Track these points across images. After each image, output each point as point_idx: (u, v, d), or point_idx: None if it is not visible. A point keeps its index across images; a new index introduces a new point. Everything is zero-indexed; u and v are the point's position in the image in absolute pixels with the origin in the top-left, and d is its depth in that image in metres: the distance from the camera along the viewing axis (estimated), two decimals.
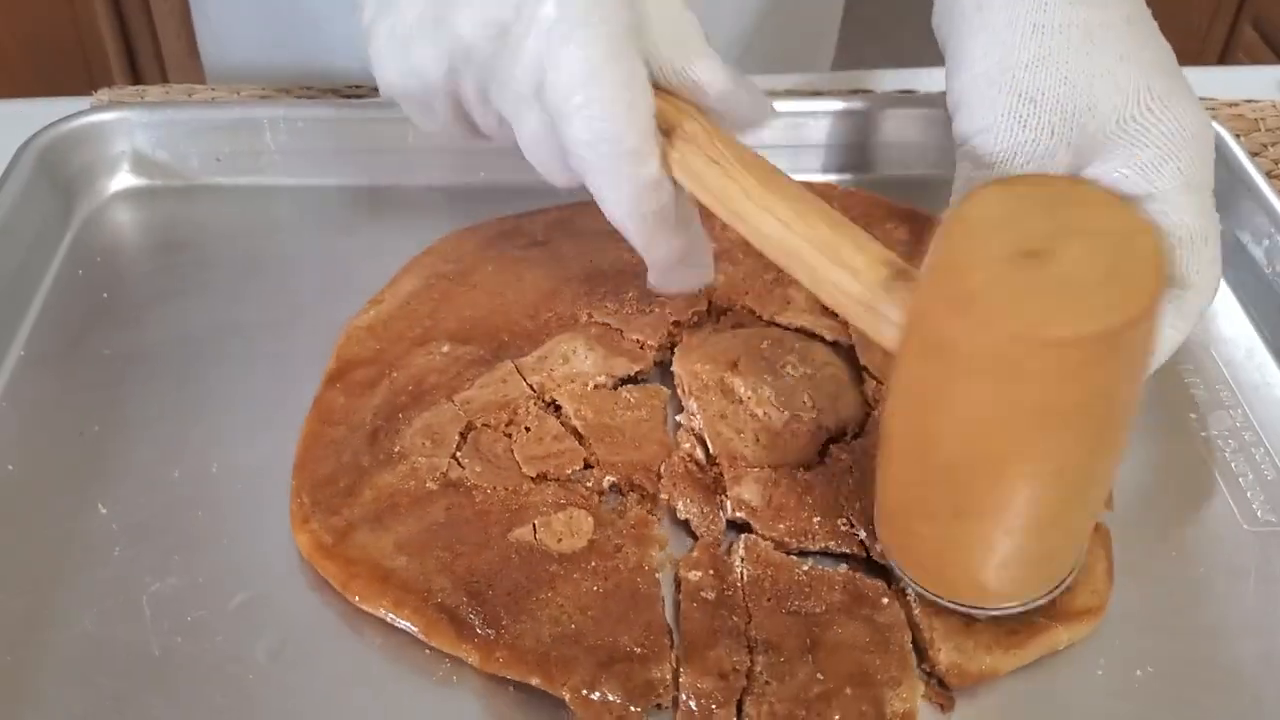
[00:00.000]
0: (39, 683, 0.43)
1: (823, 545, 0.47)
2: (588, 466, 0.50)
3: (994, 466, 0.39)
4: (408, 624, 0.44)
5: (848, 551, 0.47)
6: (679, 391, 0.53)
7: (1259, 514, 0.50)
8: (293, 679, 0.44)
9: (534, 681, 0.42)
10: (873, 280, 0.42)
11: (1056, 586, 0.44)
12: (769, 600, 0.45)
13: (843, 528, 0.47)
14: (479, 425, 0.51)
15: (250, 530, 0.48)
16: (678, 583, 0.46)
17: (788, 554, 0.47)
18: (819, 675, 0.42)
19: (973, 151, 0.53)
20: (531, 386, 0.52)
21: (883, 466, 0.44)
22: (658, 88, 0.46)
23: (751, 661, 0.43)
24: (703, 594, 0.45)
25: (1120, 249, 0.36)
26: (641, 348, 0.54)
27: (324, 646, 0.45)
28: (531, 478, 0.49)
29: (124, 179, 0.65)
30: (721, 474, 0.49)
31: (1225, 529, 0.49)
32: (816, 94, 0.70)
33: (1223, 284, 0.61)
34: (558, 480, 0.49)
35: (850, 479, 0.49)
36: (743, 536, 0.47)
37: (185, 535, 0.48)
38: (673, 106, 0.47)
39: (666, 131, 0.46)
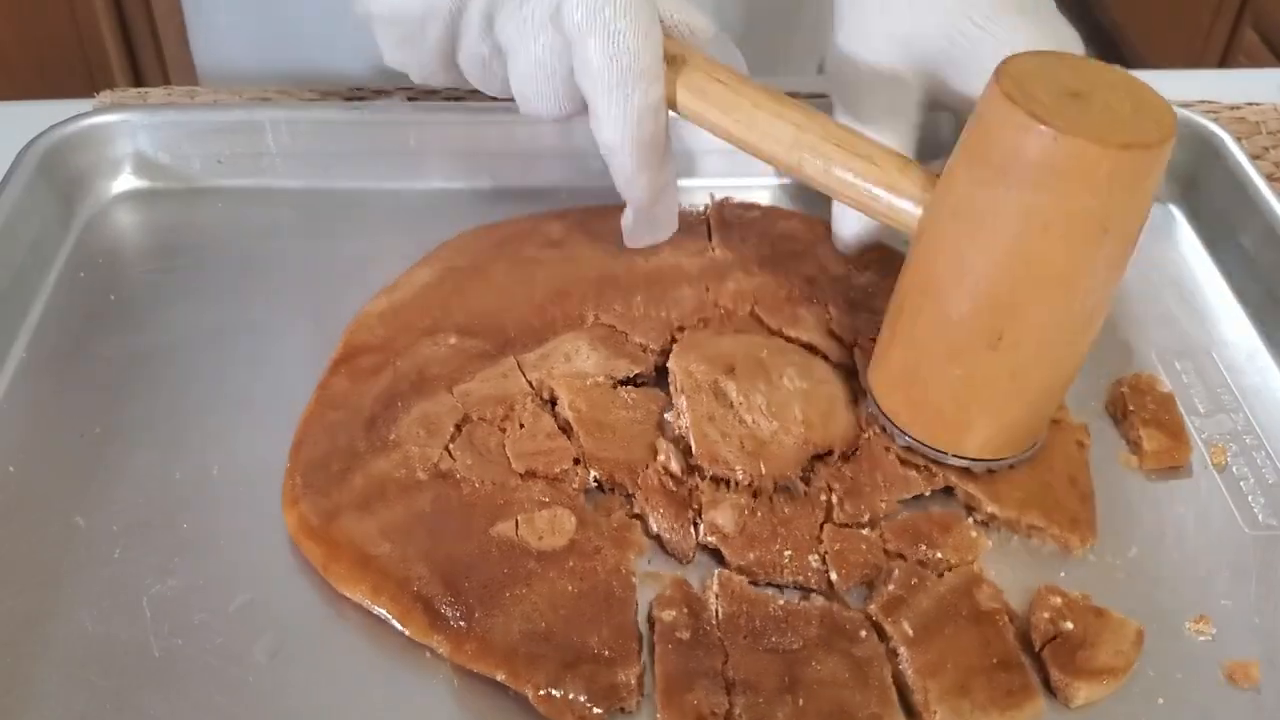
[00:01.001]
0: (39, 682, 0.43)
1: (791, 580, 0.46)
2: (577, 465, 0.50)
3: (1038, 278, 0.44)
4: (383, 610, 0.45)
5: (816, 589, 0.46)
6: (671, 389, 0.53)
7: (1260, 517, 0.50)
8: (292, 680, 0.44)
9: (499, 676, 0.43)
10: (890, 165, 0.48)
11: (1031, 447, 0.49)
12: (745, 638, 0.44)
13: (814, 564, 0.47)
14: (475, 418, 0.51)
15: (250, 532, 0.48)
16: (651, 623, 0.45)
17: (761, 586, 0.46)
18: (799, 716, 0.42)
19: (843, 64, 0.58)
20: (531, 383, 0.53)
21: (900, 327, 0.49)
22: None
23: (730, 703, 0.42)
24: (678, 634, 0.44)
25: (1136, 95, 0.44)
26: (644, 351, 0.55)
27: (323, 648, 0.45)
28: (520, 474, 0.49)
29: (126, 181, 0.65)
30: (697, 488, 0.49)
31: (1226, 532, 0.49)
32: (819, 95, 0.70)
33: (1224, 287, 0.62)
34: (546, 478, 0.49)
35: (831, 512, 0.48)
36: (716, 572, 0.46)
37: (186, 537, 0.48)
38: (672, 44, 0.51)
39: (669, 63, 0.51)
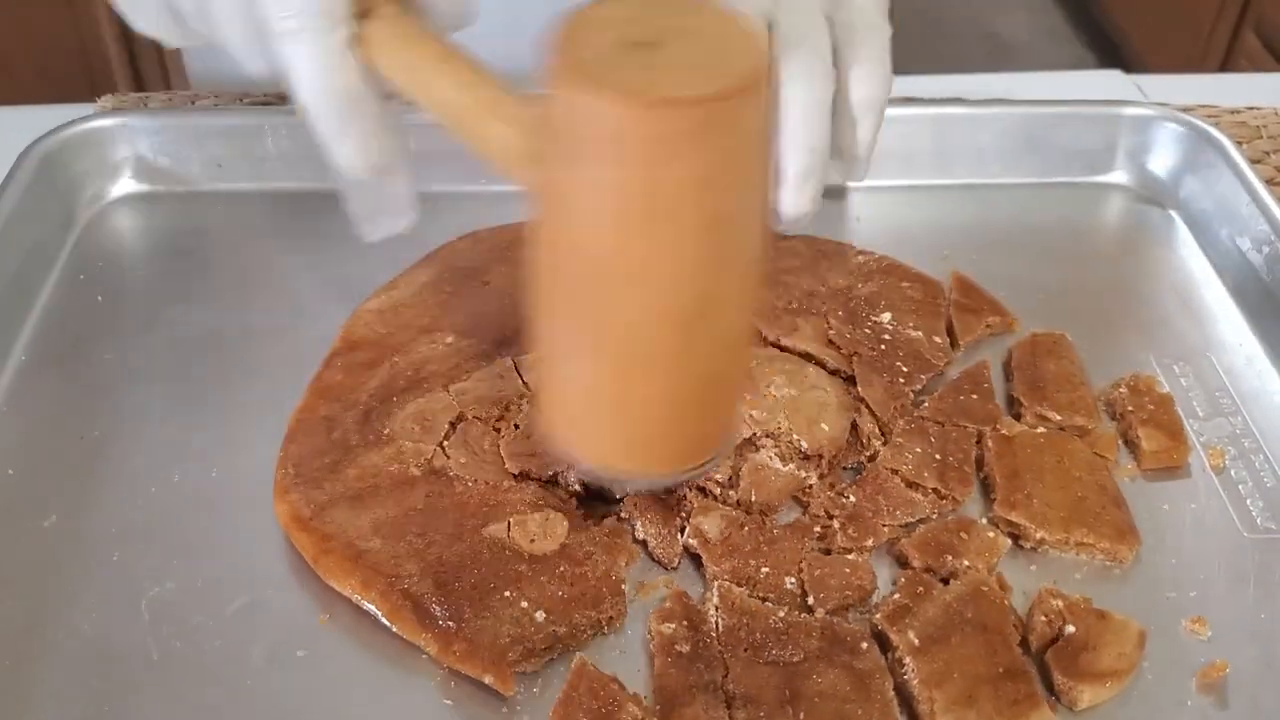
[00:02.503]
0: (38, 684, 0.43)
1: (762, 596, 0.46)
2: (569, 469, 0.50)
3: (608, 269, 0.38)
4: (372, 606, 0.45)
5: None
6: None
7: (1259, 521, 0.50)
8: (289, 682, 0.44)
9: (487, 679, 0.43)
10: (535, 132, 0.41)
11: (707, 461, 0.44)
12: (746, 650, 0.43)
13: (789, 586, 0.46)
14: (470, 417, 0.51)
15: (249, 535, 0.48)
16: (650, 635, 0.44)
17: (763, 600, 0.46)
18: None
19: None
20: (526, 385, 0.53)
21: (539, 341, 0.43)
22: None
23: (730, 718, 0.42)
24: (677, 647, 0.44)
25: (722, 44, 0.37)
26: None
27: (321, 651, 0.45)
28: (514, 475, 0.49)
29: (126, 184, 0.65)
30: (685, 498, 0.49)
31: (1225, 536, 0.49)
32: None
33: (1223, 291, 0.62)
34: (539, 481, 0.49)
35: (832, 539, 0.48)
36: (716, 584, 0.46)
37: (184, 539, 0.48)
38: None
39: (361, 15, 0.45)
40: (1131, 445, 0.53)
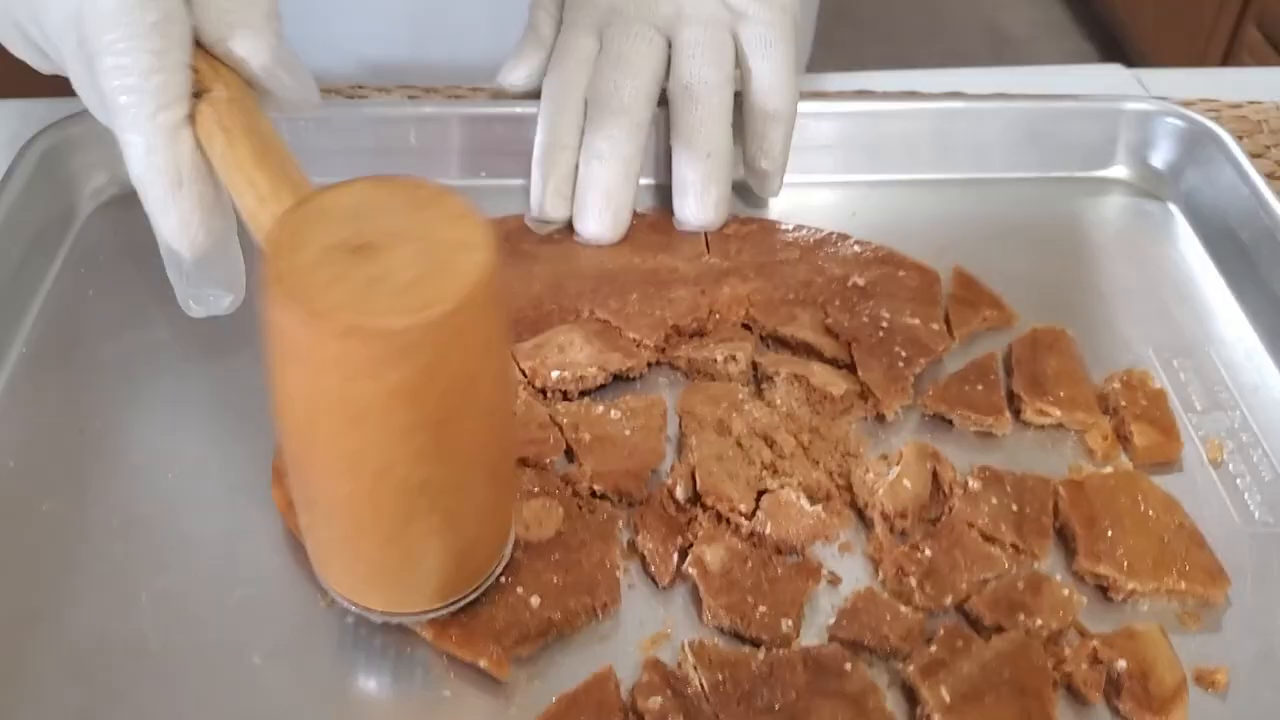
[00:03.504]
0: (37, 677, 0.43)
1: (755, 635, 0.45)
2: (569, 456, 0.50)
3: (318, 455, 0.38)
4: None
5: (768, 644, 0.45)
6: (683, 429, 0.52)
7: (1256, 515, 0.50)
8: (290, 675, 0.44)
9: (481, 664, 0.43)
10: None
11: (451, 601, 0.44)
12: (738, 704, 0.42)
13: (784, 628, 0.45)
14: None
15: (249, 528, 0.48)
16: (640, 715, 0.42)
17: (739, 639, 0.45)
18: None
19: None
20: (524, 372, 0.53)
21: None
22: (208, 52, 0.46)
23: None
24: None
25: (444, 254, 0.36)
26: (638, 346, 0.55)
27: (322, 643, 0.45)
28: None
29: (126, 179, 0.65)
30: (696, 520, 0.48)
31: (1223, 530, 0.49)
32: (819, 95, 0.70)
33: (1223, 285, 0.62)
34: (536, 467, 0.49)
35: (910, 597, 0.46)
36: (684, 642, 0.44)
37: (184, 533, 0.48)
38: (214, 71, 0.46)
39: (199, 94, 0.45)
40: (1124, 440, 0.53)
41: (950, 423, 0.54)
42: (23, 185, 0.60)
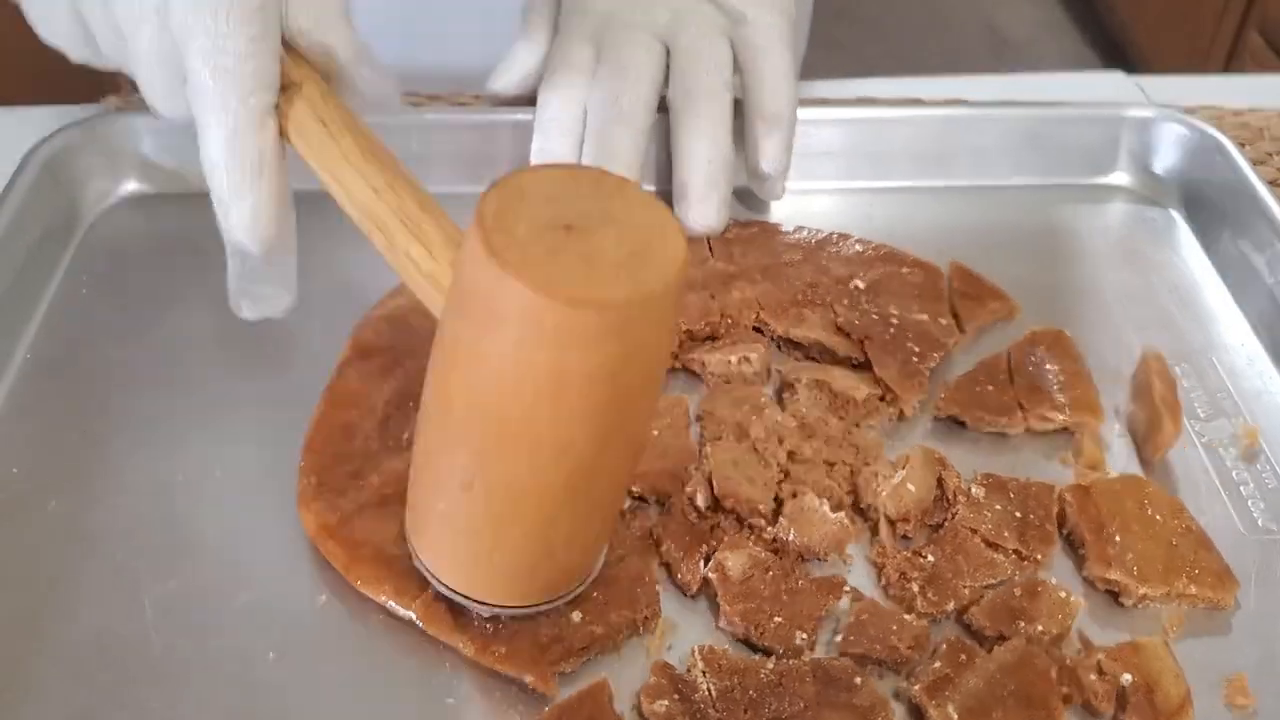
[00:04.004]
0: (41, 680, 0.43)
1: (768, 645, 0.45)
2: None
3: (504, 430, 0.39)
4: (410, 612, 0.45)
5: (781, 654, 0.45)
6: (704, 434, 0.52)
7: (1259, 521, 0.50)
8: (294, 679, 0.44)
9: (527, 679, 0.43)
10: (445, 258, 0.42)
11: (561, 595, 0.44)
12: (746, 712, 0.42)
13: (798, 640, 0.45)
14: None
15: (252, 533, 0.48)
16: (645, 717, 0.42)
17: (751, 646, 0.45)
18: None
19: None
20: None
21: (415, 449, 0.44)
22: (289, 48, 0.47)
23: None
24: None
25: (644, 238, 0.38)
26: None
27: (326, 647, 0.45)
28: None
29: (130, 185, 0.66)
30: (719, 526, 0.48)
31: (1226, 536, 0.49)
32: (821, 102, 0.70)
33: (1225, 292, 0.62)
34: None
35: (913, 603, 0.46)
36: (695, 648, 0.44)
37: (187, 537, 0.48)
38: (299, 68, 0.47)
39: (285, 88, 0.46)
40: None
41: (963, 424, 0.54)
42: (26, 192, 0.60)
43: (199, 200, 0.65)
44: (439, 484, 0.42)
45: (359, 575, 0.46)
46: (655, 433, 0.51)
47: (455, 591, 0.44)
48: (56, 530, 0.48)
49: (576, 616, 0.44)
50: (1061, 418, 0.53)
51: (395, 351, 0.55)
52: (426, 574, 0.45)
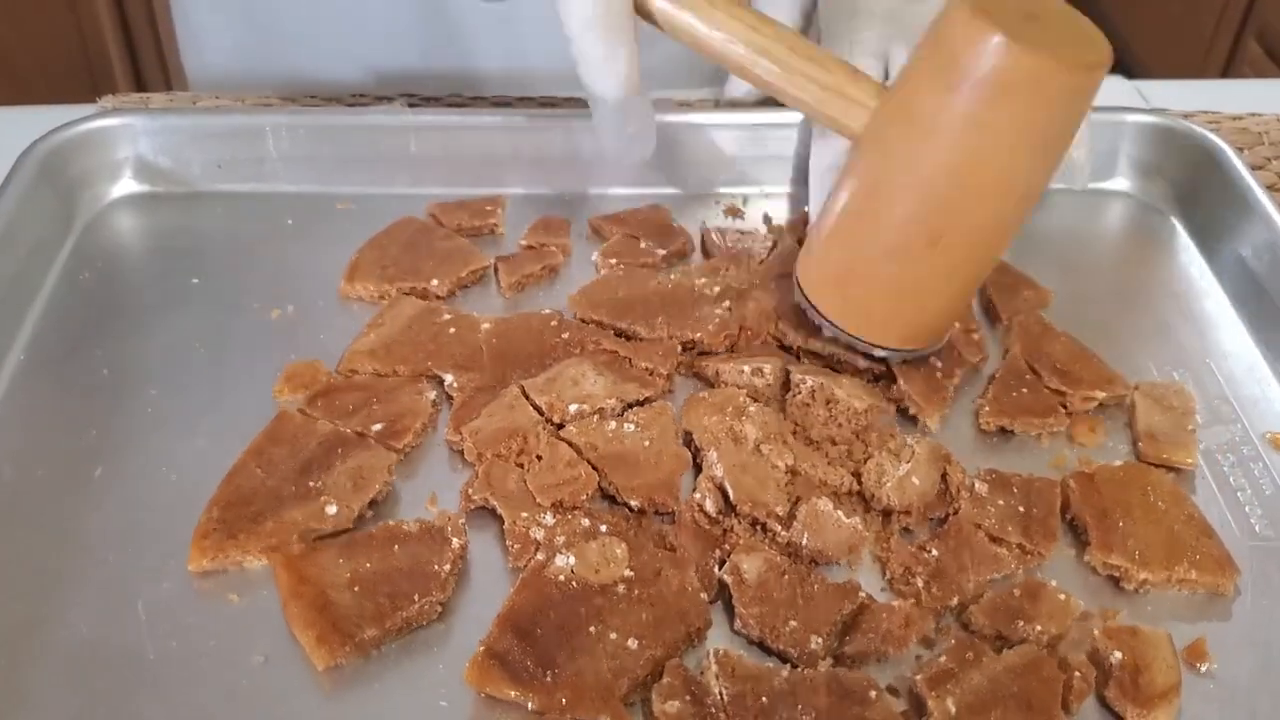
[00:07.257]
0: (34, 684, 0.43)
1: (782, 649, 0.44)
2: (605, 495, 0.49)
3: (983, 183, 0.48)
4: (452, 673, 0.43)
5: (795, 660, 0.44)
6: (697, 443, 0.52)
7: (1257, 528, 0.50)
8: (285, 684, 0.43)
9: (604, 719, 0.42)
10: (840, 72, 0.51)
11: (940, 342, 0.54)
12: (756, 718, 0.42)
13: (812, 645, 0.44)
14: (489, 457, 0.50)
15: None
16: (656, 717, 0.42)
17: (765, 649, 0.45)
18: None
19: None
20: (540, 409, 0.52)
21: (838, 226, 0.52)
22: None
23: None
24: None
25: (1077, 24, 0.47)
26: (651, 374, 0.54)
27: None
28: (548, 508, 0.48)
29: (126, 185, 0.65)
30: (731, 530, 0.48)
31: (1224, 542, 0.49)
32: None
33: (1224, 299, 0.62)
34: (575, 508, 0.48)
35: (918, 598, 0.46)
36: (711, 651, 0.44)
37: (181, 541, 0.48)
38: None
39: None
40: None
41: (1012, 433, 0.54)
42: (21, 192, 0.60)
43: (195, 200, 0.66)
44: (896, 250, 0.50)
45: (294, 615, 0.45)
46: (646, 443, 0.51)
47: (871, 343, 0.52)
48: (50, 532, 0.48)
49: (633, 644, 0.43)
50: (1102, 394, 0.54)
51: (369, 389, 0.53)
52: (833, 329, 0.53)
